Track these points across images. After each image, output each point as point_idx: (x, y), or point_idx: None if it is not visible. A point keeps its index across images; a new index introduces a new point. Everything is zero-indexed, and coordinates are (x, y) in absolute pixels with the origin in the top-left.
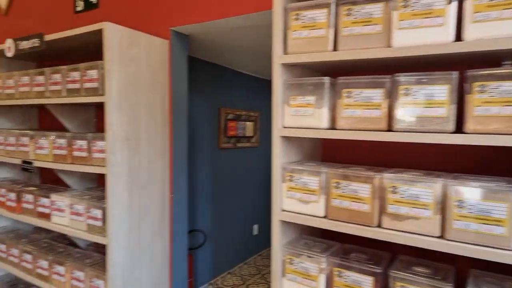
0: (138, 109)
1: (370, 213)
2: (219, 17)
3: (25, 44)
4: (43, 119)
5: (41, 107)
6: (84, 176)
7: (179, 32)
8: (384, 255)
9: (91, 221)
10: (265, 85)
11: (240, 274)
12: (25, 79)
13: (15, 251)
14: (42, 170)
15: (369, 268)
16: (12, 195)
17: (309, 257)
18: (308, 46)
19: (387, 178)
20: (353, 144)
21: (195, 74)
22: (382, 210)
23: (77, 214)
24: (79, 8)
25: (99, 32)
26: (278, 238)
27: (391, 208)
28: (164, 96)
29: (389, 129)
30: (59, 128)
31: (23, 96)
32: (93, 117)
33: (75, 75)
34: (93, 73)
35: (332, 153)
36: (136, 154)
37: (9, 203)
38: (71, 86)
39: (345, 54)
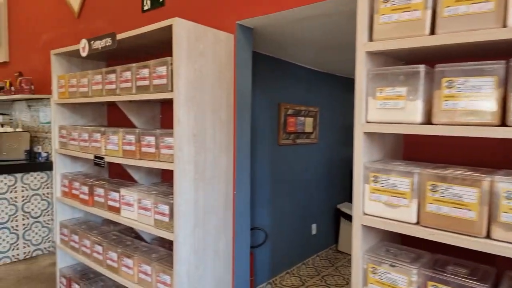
0: (204, 105)
1: (476, 221)
2: (288, 7)
3: (98, 44)
4: (112, 115)
5: (110, 104)
6: (150, 171)
7: (244, 25)
8: (488, 270)
9: (158, 216)
10: (325, 79)
11: (299, 275)
12: (98, 77)
13: (87, 242)
14: (111, 164)
15: (473, 285)
16: (85, 189)
17: (393, 266)
18: (399, 31)
19: (500, 181)
20: (445, 141)
21: (255, 68)
22: (492, 219)
23: (145, 209)
24: (146, 7)
25: (167, 29)
26: (359, 244)
27: (504, 217)
28: (229, 91)
29: (503, 123)
30: (127, 124)
31: (96, 94)
32: (158, 114)
33: (145, 72)
34: (162, 70)
35: (416, 150)
36: (202, 150)
37: (82, 196)
38: (140, 83)
39: (446, 38)
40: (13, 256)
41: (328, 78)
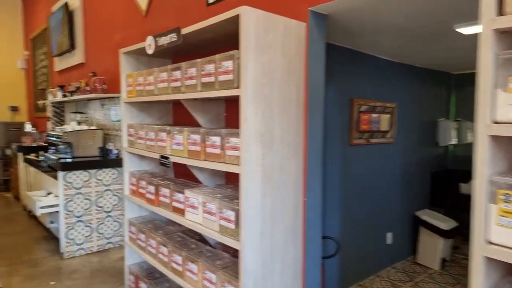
0: (272, 102)
1: None
2: None
3: (163, 40)
4: (177, 114)
5: (176, 102)
6: (214, 172)
7: (318, 12)
8: None
9: (223, 222)
10: (404, 71)
11: None
12: (163, 75)
13: (152, 242)
14: (176, 163)
15: None
16: (151, 188)
17: None
18: None
19: None
20: None
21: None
22: None
23: (210, 213)
24: (211, 0)
25: (234, 20)
26: (480, 281)
27: None
28: (299, 87)
29: None
30: (192, 123)
31: (161, 92)
32: (223, 112)
33: (210, 67)
34: (228, 64)
35: None
36: (270, 152)
37: (148, 196)
38: (205, 79)
39: None
40: (87, 248)
41: (407, 69)
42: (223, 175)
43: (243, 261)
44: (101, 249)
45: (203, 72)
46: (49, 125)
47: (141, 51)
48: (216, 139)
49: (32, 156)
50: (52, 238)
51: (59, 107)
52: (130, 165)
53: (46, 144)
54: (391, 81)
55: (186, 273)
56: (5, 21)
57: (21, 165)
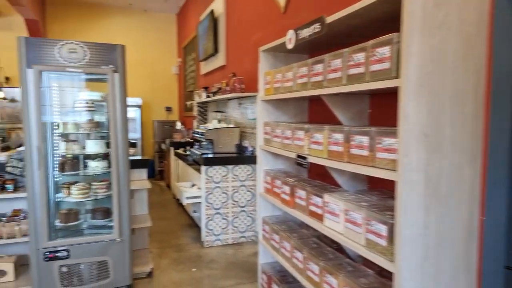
0: (442, 95)
1: None
2: None
3: (305, 32)
4: (312, 111)
5: (311, 99)
6: (355, 175)
7: None
8: None
9: (371, 236)
10: None
11: None
12: (303, 70)
13: (286, 245)
14: (311, 163)
15: None
16: (287, 188)
17: None
18: None
19: None
20: None
21: None
22: None
23: (353, 223)
24: None
25: None
26: None
27: None
28: (479, 75)
29: None
30: (328, 121)
31: (300, 88)
32: (367, 108)
33: (360, 57)
34: (384, 51)
35: None
36: (436, 156)
37: (283, 196)
38: (353, 71)
39: None
40: (223, 239)
41: None
42: (365, 179)
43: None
44: (235, 242)
45: (350, 63)
46: (195, 123)
47: (279, 48)
48: (364, 139)
49: (180, 151)
50: (194, 226)
51: (203, 106)
52: (264, 163)
53: (192, 140)
54: None
55: (324, 286)
56: (165, 36)
57: (172, 158)
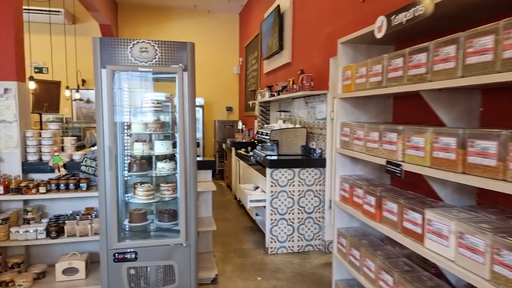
0: None
1: None
2: None
3: (401, 17)
4: (398, 110)
5: (397, 96)
6: (462, 187)
7: None
8: None
9: (501, 270)
10: None
11: None
12: (397, 61)
13: (370, 264)
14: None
15: None
16: (371, 199)
17: None
18: None
19: None
20: None
21: None
22: None
23: (472, 249)
24: None
25: None
26: None
27: None
28: None
29: None
30: (418, 121)
31: (393, 82)
32: (478, 106)
33: (484, 41)
34: None
35: None
36: None
37: (366, 207)
38: (472, 59)
39: None
40: (288, 247)
41: None
42: (474, 192)
43: None
44: (301, 250)
45: (469, 50)
46: (256, 123)
47: (361, 39)
48: (490, 145)
49: (242, 151)
50: (257, 229)
51: (265, 106)
52: (341, 168)
53: (254, 141)
54: None
55: None
56: (227, 36)
57: (233, 158)
